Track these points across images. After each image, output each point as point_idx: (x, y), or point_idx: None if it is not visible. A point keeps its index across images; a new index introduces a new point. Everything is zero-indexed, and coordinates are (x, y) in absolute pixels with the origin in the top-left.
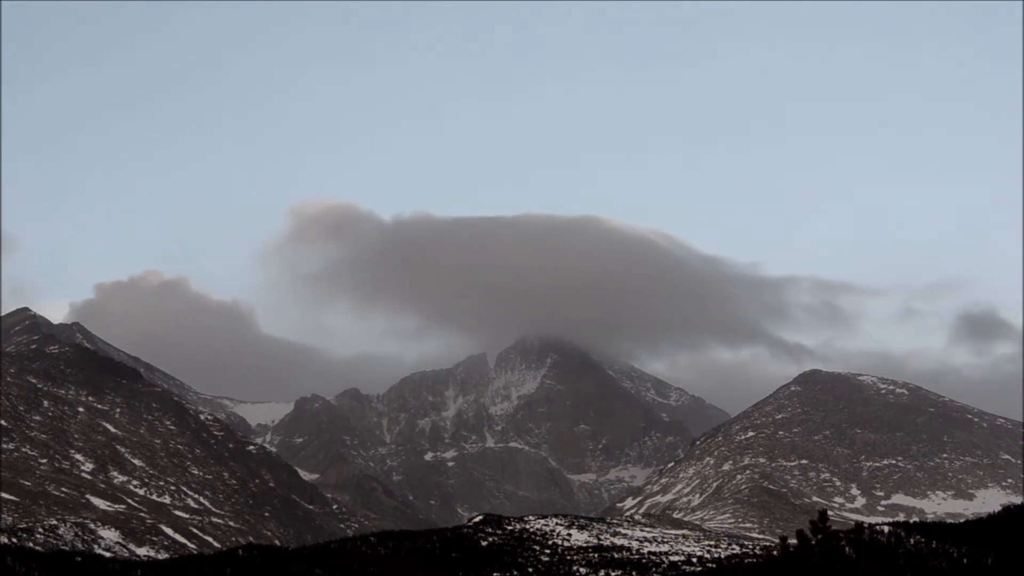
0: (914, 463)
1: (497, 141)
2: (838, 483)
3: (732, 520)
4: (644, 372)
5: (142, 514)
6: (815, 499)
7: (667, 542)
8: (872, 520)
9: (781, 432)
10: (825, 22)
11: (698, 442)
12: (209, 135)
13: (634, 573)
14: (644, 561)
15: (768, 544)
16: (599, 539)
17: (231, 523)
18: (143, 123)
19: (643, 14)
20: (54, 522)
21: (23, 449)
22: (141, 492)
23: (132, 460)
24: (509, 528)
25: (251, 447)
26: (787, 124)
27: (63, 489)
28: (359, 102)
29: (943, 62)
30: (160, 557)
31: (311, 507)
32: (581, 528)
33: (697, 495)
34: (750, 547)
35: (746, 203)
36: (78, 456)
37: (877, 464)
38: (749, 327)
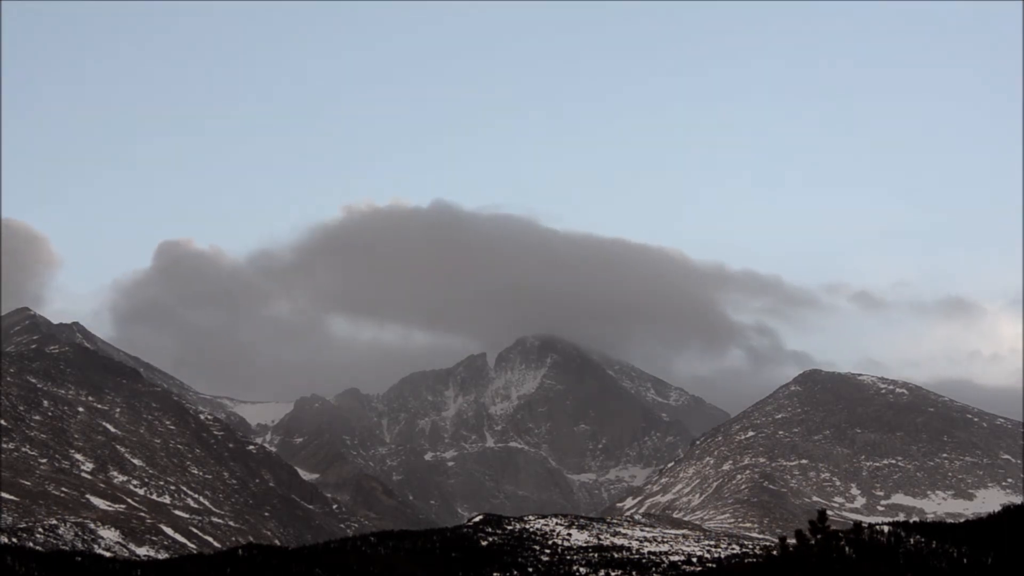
0: (914, 463)
1: (499, 141)
2: (838, 483)
3: (732, 520)
4: (644, 372)
5: (142, 514)
6: (815, 499)
7: (667, 542)
8: (872, 520)
9: (781, 432)
10: (823, 22)
11: (698, 442)
12: (213, 135)
13: (634, 573)
14: (644, 561)
15: (768, 544)
16: (599, 539)
17: (231, 523)
18: (141, 123)
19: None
20: (54, 522)
21: (23, 449)
22: (141, 492)
23: (132, 460)
24: (509, 528)
25: (251, 447)
26: (791, 126)
27: (63, 489)
28: (359, 98)
29: (943, 62)
30: (160, 557)
31: (311, 507)
32: (581, 528)
33: (697, 495)
34: (750, 547)
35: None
36: (78, 456)
37: (877, 464)
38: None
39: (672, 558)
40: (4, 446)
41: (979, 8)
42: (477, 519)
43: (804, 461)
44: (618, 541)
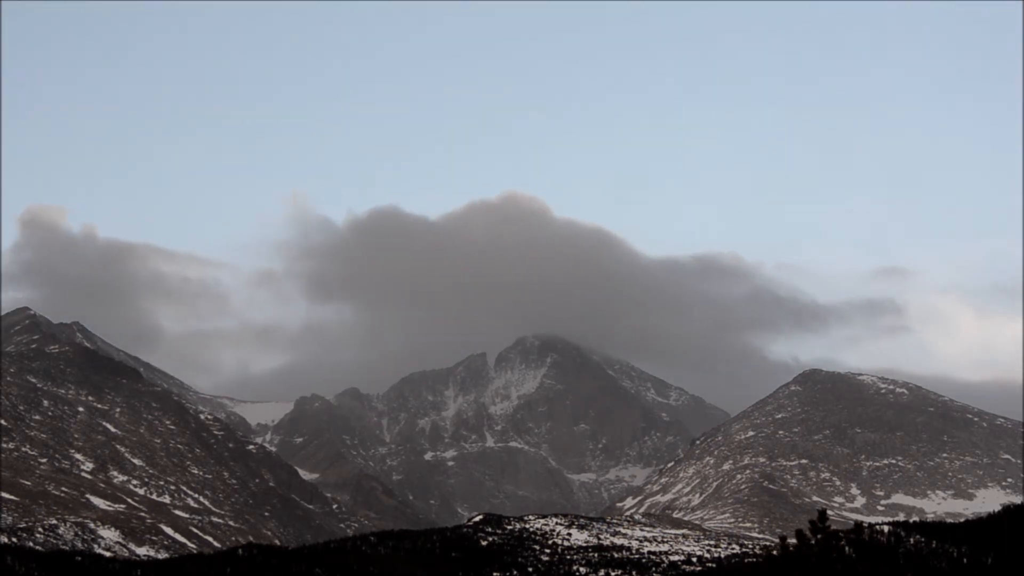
0: (914, 463)
1: (497, 140)
2: (838, 483)
3: (732, 520)
4: (644, 372)
5: (142, 514)
6: (815, 499)
7: (667, 542)
8: (872, 520)
9: (781, 432)
10: (821, 22)
11: (698, 442)
12: (211, 134)
13: (634, 573)
14: (644, 561)
15: (768, 544)
16: (599, 539)
17: (231, 523)
18: (142, 123)
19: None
20: (54, 522)
21: (23, 449)
22: (141, 492)
23: (132, 460)
24: (509, 528)
25: (251, 447)
26: (790, 133)
27: (63, 489)
28: (360, 99)
29: (942, 63)
30: (160, 557)
31: (311, 507)
32: (581, 528)
33: (697, 495)
34: (750, 547)
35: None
36: (78, 456)
37: (877, 464)
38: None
39: (672, 558)
40: (4, 446)
41: (979, 8)
42: (477, 519)
43: (804, 461)
44: (618, 541)
